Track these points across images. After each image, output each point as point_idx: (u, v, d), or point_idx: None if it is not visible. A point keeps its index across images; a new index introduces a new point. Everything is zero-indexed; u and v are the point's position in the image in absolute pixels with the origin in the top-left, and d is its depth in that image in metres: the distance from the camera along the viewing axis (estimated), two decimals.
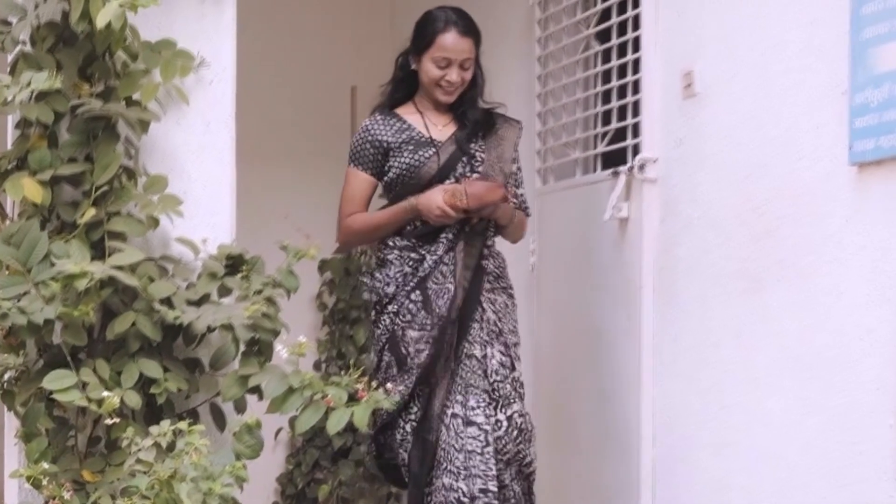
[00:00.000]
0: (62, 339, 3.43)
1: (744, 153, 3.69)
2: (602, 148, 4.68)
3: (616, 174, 4.33)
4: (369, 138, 4.10)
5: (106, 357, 3.50)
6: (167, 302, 3.50)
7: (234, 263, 3.69)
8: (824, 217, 3.32)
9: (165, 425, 3.23)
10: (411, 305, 3.98)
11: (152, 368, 3.47)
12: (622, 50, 4.52)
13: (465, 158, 4.01)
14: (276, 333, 3.61)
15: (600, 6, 4.68)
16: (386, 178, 4.08)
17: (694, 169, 3.97)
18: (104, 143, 3.57)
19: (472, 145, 4.04)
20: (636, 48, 4.35)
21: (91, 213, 3.48)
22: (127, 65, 3.62)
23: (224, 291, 3.65)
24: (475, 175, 3.99)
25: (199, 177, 3.79)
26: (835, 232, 3.28)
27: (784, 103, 3.51)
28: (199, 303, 3.59)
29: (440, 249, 3.96)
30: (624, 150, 4.46)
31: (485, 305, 4.00)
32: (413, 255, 4.02)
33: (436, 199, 3.90)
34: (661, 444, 4.17)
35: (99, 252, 3.49)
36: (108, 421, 3.33)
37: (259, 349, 3.61)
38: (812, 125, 3.37)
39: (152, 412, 3.51)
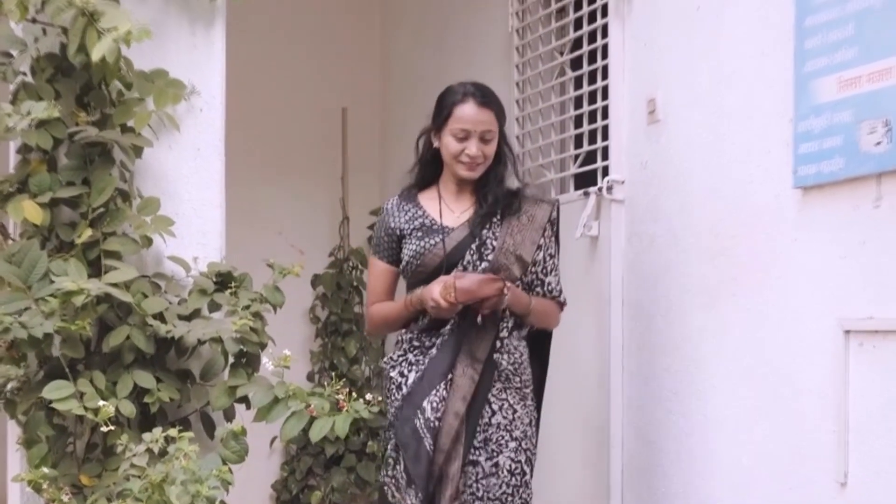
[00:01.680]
0: (61, 352, 3.52)
1: (701, 176, 3.84)
2: (574, 169, 4.81)
3: (587, 195, 4.48)
4: (384, 226, 3.93)
5: (102, 368, 3.60)
6: (160, 317, 3.60)
7: (224, 280, 3.79)
8: (773, 236, 3.47)
9: (157, 432, 3.31)
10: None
11: (146, 379, 3.57)
12: (593, 77, 4.65)
13: (473, 246, 3.77)
14: (262, 346, 3.71)
15: (573, 35, 4.82)
16: (401, 265, 3.88)
17: (657, 190, 4.10)
18: (100, 168, 3.67)
19: (485, 231, 3.79)
20: (605, 76, 4.49)
21: (88, 233, 3.58)
22: (122, 94, 3.73)
23: (214, 307, 3.75)
24: (484, 264, 3.75)
25: (190, 199, 3.87)
26: (782, 251, 3.43)
27: (737, 130, 3.65)
28: (189, 317, 3.70)
29: (447, 344, 3.75)
30: (595, 171, 4.59)
31: (494, 407, 3.77)
32: (416, 343, 3.83)
33: (432, 291, 3.67)
34: (628, 450, 4.30)
35: (95, 270, 3.58)
36: (105, 428, 3.39)
37: (247, 361, 3.72)
38: (762, 150, 3.52)
39: (146, 420, 3.60)
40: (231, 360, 3.71)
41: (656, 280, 4.12)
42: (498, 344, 3.77)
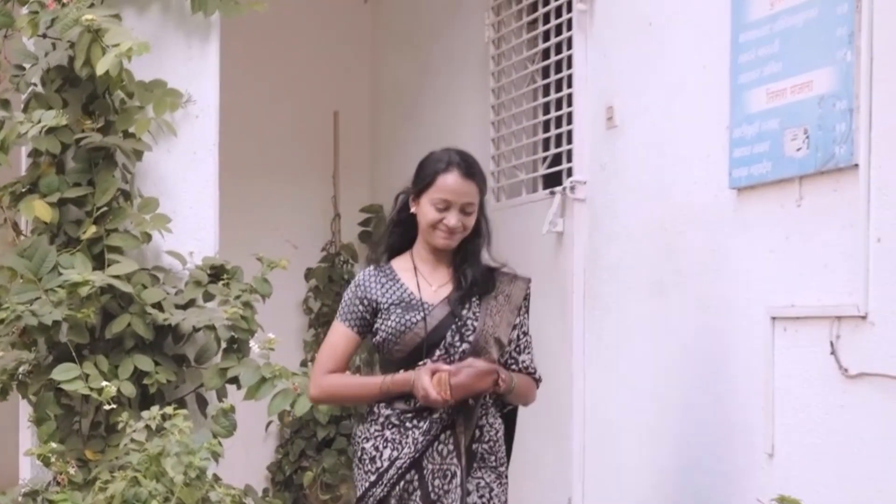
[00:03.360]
0: (68, 338, 3.78)
1: (651, 177, 4.14)
2: (543, 171, 5.10)
3: (553, 194, 4.76)
4: (360, 294, 3.57)
5: (105, 353, 3.86)
6: (158, 306, 3.87)
7: (217, 273, 4.06)
8: (712, 233, 3.77)
9: (155, 410, 3.52)
10: (405, 485, 3.48)
11: (145, 363, 3.84)
12: (560, 85, 4.93)
13: (454, 326, 3.50)
14: (252, 333, 3.99)
15: (542, 46, 5.09)
16: (375, 340, 3.57)
17: (614, 190, 4.40)
18: (104, 170, 3.92)
19: (465, 311, 3.53)
20: (570, 84, 4.76)
21: (93, 230, 3.84)
22: (124, 102, 3.99)
23: (208, 297, 4.02)
24: (465, 345, 3.49)
25: (186, 198, 4.13)
26: (720, 246, 3.73)
27: (682, 135, 3.95)
28: (185, 307, 3.98)
29: (433, 429, 3.48)
30: (560, 172, 4.87)
31: (469, 488, 3.51)
32: (395, 422, 3.51)
33: (423, 381, 3.37)
34: (588, 430, 4.59)
35: (99, 263, 3.84)
36: (108, 407, 3.66)
37: (237, 346, 3.99)
38: (703, 154, 3.81)
39: (145, 400, 3.86)
40: (223, 345, 3.96)
41: (613, 272, 4.41)
42: (478, 433, 3.56)
